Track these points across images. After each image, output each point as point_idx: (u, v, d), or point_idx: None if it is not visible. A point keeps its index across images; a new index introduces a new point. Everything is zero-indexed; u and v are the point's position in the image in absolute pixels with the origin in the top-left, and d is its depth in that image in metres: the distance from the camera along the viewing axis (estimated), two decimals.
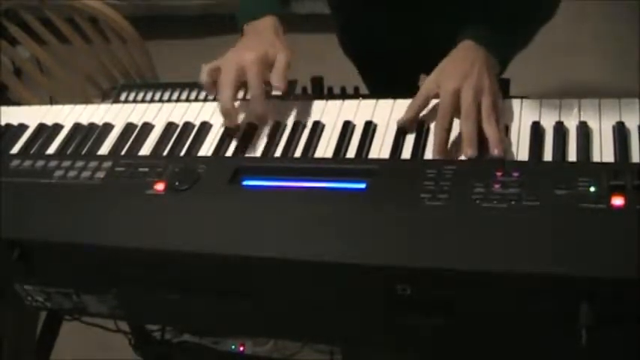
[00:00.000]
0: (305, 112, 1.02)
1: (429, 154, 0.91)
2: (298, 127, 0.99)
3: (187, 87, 1.16)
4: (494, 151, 0.86)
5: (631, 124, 0.87)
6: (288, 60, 1.00)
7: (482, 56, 0.95)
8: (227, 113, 0.99)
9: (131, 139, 1.05)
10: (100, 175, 0.95)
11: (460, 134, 0.90)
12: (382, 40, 1.32)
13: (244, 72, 0.99)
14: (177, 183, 0.90)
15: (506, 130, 0.90)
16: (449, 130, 0.90)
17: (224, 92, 0.98)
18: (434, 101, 0.95)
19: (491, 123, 0.88)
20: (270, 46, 1.01)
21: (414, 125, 0.95)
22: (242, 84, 1.01)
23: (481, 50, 0.96)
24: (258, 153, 0.97)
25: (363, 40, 1.37)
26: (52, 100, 1.41)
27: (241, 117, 1.02)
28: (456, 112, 0.91)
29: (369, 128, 0.96)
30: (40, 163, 1.00)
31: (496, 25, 1.00)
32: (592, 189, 0.76)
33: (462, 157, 0.88)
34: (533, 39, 1.05)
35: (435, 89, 0.94)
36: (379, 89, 1.34)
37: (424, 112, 0.96)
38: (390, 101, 1.01)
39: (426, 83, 0.96)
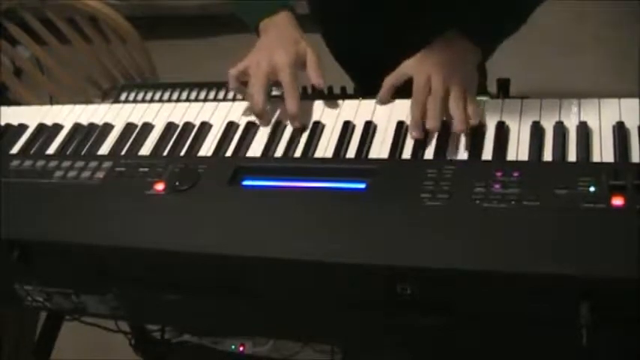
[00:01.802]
0: (305, 112, 1.02)
1: (429, 154, 0.91)
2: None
3: (187, 87, 1.16)
4: (457, 127, 0.90)
5: (631, 124, 0.87)
6: (318, 55, 1.03)
7: (461, 48, 0.98)
8: (261, 116, 1.01)
9: (131, 139, 1.05)
10: (100, 175, 0.95)
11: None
12: (372, 45, 1.31)
13: (276, 73, 1.01)
14: (177, 183, 0.90)
15: (483, 127, 0.91)
16: (424, 104, 0.94)
17: (257, 97, 1.00)
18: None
19: (459, 106, 0.92)
20: (296, 44, 1.03)
21: (388, 100, 0.99)
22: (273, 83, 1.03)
23: (463, 41, 0.98)
24: (258, 153, 0.97)
25: (351, 44, 1.35)
26: (52, 100, 1.41)
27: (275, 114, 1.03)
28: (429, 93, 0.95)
29: (369, 128, 0.96)
30: (40, 163, 1.00)
31: (485, 16, 1.01)
32: (592, 189, 0.76)
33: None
34: (525, 22, 1.05)
35: (410, 72, 0.98)
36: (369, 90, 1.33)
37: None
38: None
39: (404, 65, 1.00)
